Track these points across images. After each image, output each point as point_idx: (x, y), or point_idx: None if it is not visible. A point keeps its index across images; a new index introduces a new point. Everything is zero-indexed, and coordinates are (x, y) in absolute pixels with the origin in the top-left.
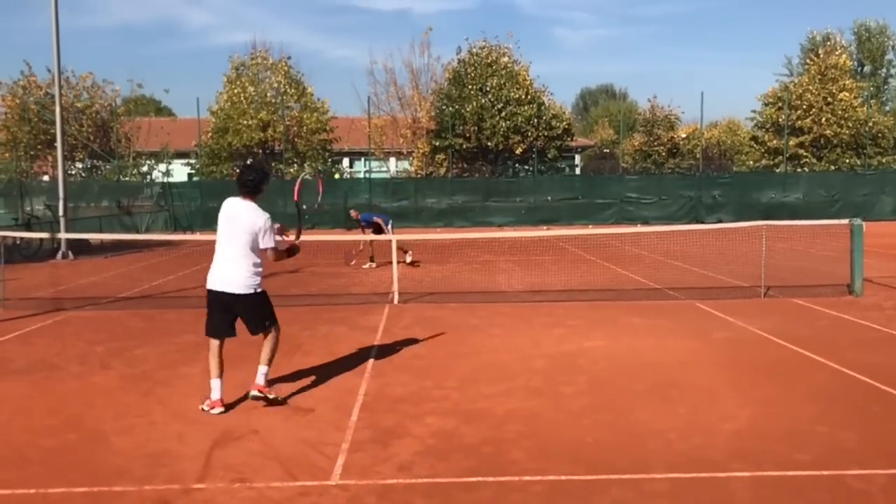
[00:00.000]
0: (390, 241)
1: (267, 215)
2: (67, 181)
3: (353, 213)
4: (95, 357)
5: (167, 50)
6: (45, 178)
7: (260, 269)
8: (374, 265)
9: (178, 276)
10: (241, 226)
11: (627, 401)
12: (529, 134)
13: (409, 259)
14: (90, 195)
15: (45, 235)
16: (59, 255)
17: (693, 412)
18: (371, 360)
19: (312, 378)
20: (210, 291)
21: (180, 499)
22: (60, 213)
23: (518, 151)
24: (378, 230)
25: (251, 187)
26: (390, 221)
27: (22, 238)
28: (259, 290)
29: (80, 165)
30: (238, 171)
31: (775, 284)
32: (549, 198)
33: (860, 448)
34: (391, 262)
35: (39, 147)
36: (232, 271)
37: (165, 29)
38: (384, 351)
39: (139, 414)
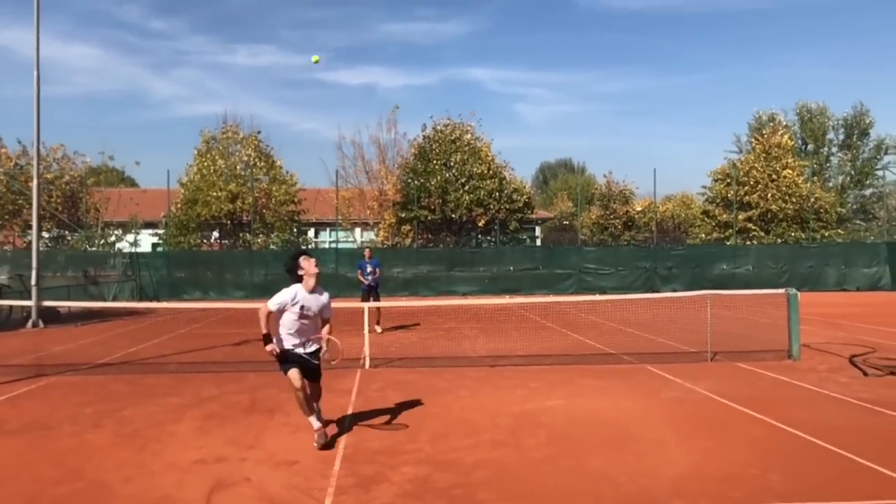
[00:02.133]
0: (366, 308)
1: (282, 295)
2: (35, 250)
3: (367, 251)
4: (85, 418)
5: (132, 120)
6: (7, 247)
7: (280, 336)
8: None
9: (153, 344)
10: None
11: (583, 451)
12: (491, 207)
13: (379, 329)
14: (56, 265)
15: (29, 303)
16: (30, 323)
17: (641, 460)
18: (348, 419)
19: (294, 434)
20: None
21: None
22: (33, 282)
23: (481, 223)
24: (372, 291)
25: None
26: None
27: None
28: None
29: (46, 235)
30: None
31: (721, 350)
32: (511, 268)
33: (784, 487)
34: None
35: (7, 217)
36: None
37: (131, 100)
38: (359, 410)
39: (137, 465)
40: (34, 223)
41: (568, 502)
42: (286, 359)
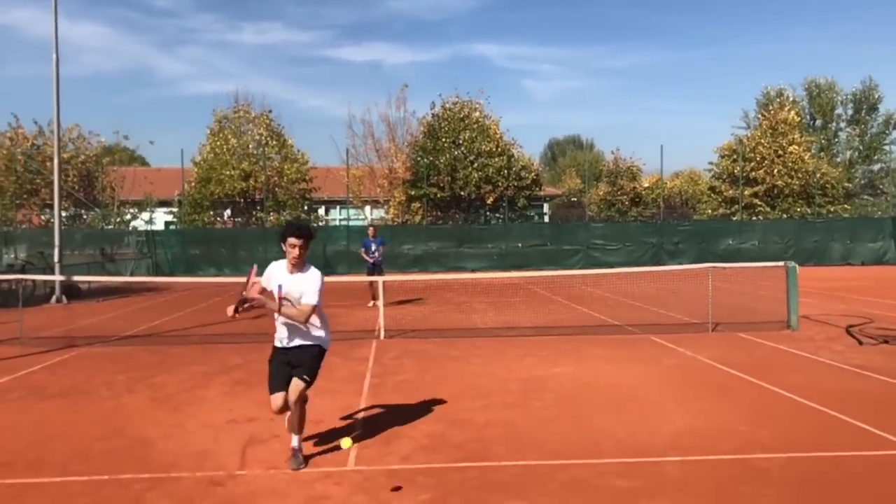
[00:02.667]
0: (375, 281)
1: (267, 268)
2: (58, 229)
3: (371, 230)
4: (120, 384)
5: (140, 99)
6: (25, 226)
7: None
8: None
9: (175, 318)
10: None
11: (588, 412)
12: (500, 184)
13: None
14: (73, 243)
15: (54, 278)
16: (54, 299)
17: (641, 419)
18: (366, 384)
19: (318, 398)
20: None
21: (228, 481)
22: (56, 259)
23: (489, 200)
24: (376, 267)
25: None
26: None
27: (16, 282)
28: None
29: (64, 214)
30: None
31: (723, 321)
32: (520, 244)
33: (771, 441)
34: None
35: (25, 196)
36: None
37: (138, 79)
38: (377, 376)
39: (174, 425)
40: (56, 201)
41: (572, 454)
42: (270, 361)
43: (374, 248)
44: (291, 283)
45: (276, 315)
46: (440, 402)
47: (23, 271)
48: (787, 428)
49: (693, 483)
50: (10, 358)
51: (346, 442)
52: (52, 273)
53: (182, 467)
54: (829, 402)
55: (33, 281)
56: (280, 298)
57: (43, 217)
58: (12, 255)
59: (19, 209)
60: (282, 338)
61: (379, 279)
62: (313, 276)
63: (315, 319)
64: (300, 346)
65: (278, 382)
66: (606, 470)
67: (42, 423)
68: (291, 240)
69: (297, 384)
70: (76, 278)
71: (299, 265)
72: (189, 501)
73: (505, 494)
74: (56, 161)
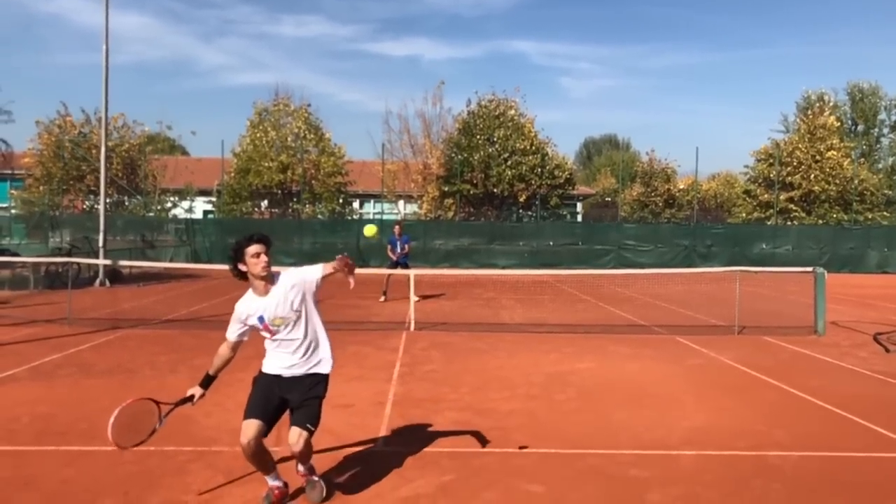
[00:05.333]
0: (406, 275)
1: (235, 312)
2: (99, 214)
3: (396, 228)
4: (162, 364)
5: (180, 89)
6: (69, 211)
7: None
8: (385, 299)
9: (212, 304)
10: None
11: (608, 406)
12: (533, 182)
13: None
14: (115, 229)
15: (105, 262)
16: (97, 282)
17: (660, 415)
18: (396, 372)
19: (349, 383)
20: None
21: None
22: (100, 243)
23: (522, 198)
24: (400, 265)
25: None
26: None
27: (64, 265)
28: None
29: (108, 201)
30: None
31: (750, 325)
32: (551, 242)
33: (786, 440)
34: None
35: (71, 182)
36: None
37: (180, 69)
38: (406, 366)
39: (214, 404)
40: (101, 189)
41: (590, 444)
42: (255, 381)
43: (399, 245)
44: (272, 303)
45: (266, 340)
46: (465, 391)
47: (69, 255)
48: (803, 428)
49: (705, 475)
50: (60, 337)
51: (369, 230)
52: (96, 257)
53: (222, 442)
54: (848, 406)
55: (78, 264)
56: (269, 330)
57: (87, 203)
58: (58, 239)
59: (65, 195)
60: (277, 364)
61: (410, 272)
62: (289, 273)
63: (321, 334)
64: (299, 378)
65: (259, 409)
66: (622, 460)
67: (91, 398)
68: (252, 248)
69: (300, 434)
70: (124, 263)
71: (269, 277)
72: (228, 472)
73: (523, 478)
74: (103, 150)
